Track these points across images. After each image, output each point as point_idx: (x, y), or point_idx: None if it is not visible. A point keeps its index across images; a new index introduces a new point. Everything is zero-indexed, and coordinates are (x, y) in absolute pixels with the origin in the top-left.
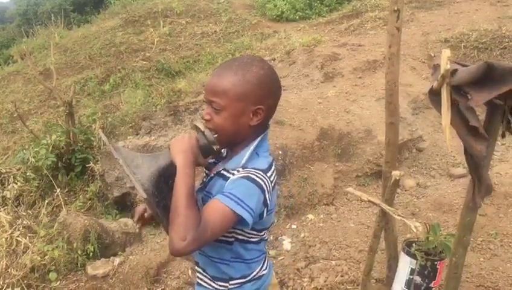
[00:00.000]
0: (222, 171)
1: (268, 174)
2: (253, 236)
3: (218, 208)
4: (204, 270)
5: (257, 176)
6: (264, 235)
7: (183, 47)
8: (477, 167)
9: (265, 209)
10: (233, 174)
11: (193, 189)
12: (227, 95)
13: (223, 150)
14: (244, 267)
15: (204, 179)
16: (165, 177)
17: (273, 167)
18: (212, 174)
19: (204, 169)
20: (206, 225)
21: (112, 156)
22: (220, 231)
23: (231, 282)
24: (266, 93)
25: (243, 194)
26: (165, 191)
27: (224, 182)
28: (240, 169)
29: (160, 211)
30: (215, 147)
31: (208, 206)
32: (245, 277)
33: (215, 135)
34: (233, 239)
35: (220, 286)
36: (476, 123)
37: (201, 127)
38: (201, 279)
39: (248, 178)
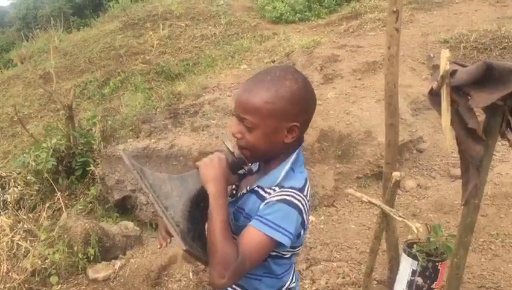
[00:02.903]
0: (256, 188)
1: (305, 193)
2: (286, 253)
3: (255, 236)
4: (236, 284)
5: (295, 198)
6: (297, 250)
7: (182, 50)
8: (467, 168)
9: (303, 229)
10: (269, 193)
11: (228, 220)
12: (260, 113)
13: (253, 165)
14: (275, 281)
15: (234, 192)
16: (197, 203)
17: (307, 182)
18: (245, 191)
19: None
20: (244, 257)
21: (131, 174)
22: (259, 260)
23: None
24: (301, 109)
25: (280, 219)
26: (197, 217)
27: (258, 200)
28: (276, 188)
29: (196, 245)
30: (245, 167)
31: (244, 234)
32: None
33: (247, 153)
34: (266, 256)
35: None
36: (474, 125)
37: (231, 147)
38: None
39: (285, 201)
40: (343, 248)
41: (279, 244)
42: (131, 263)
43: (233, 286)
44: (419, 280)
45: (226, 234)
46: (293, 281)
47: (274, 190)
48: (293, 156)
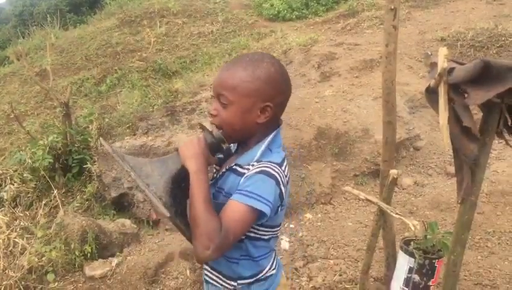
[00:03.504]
0: (234, 167)
1: (283, 168)
2: (264, 233)
3: (237, 208)
4: (212, 268)
5: (273, 169)
6: (276, 232)
7: (179, 47)
8: (461, 166)
9: (280, 203)
10: (247, 169)
11: (209, 194)
12: (236, 90)
13: (231, 146)
14: (253, 265)
15: (215, 175)
16: (178, 182)
17: (285, 162)
18: (224, 170)
19: (214, 165)
20: (227, 229)
21: (115, 162)
22: (242, 232)
23: (239, 281)
24: (275, 91)
25: (260, 189)
26: (179, 196)
27: (237, 177)
28: (255, 163)
29: (180, 221)
30: (224, 145)
31: (226, 208)
32: (253, 276)
33: (221, 131)
34: (244, 236)
35: (229, 284)
36: (469, 123)
37: (208, 125)
38: (209, 277)
39: (263, 172)
40: (340, 245)
41: (260, 215)
42: (128, 261)
43: (209, 270)
44: (416, 277)
45: (209, 207)
46: (273, 268)
47: (253, 165)
48: (270, 137)
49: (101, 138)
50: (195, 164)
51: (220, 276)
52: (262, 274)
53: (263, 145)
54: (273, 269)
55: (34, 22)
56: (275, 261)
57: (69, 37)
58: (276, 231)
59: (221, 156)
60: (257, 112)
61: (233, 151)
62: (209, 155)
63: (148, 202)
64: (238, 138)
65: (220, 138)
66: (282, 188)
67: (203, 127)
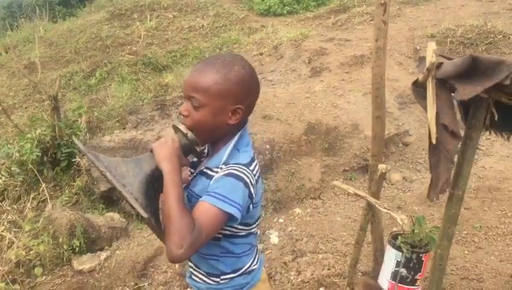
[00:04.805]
0: (204, 170)
1: (251, 168)
2: (240, 230)
3: (207, 210)
4: (196, 266)
5: (240, 171)
6: (252, 229)
7: (170, 41)
8: (437, 164)
9: (251, 202)
10: (216, 172)
11: (183, 195)
12: (208, 92)
13: (204, 149)
14: (234, 261)
15: (189, 178)
16: (152, 183)
17: (255, 161)
18: (195, 173)
19: (189, 168)
20: (200, 228)
21: (91, 162)
22: (213, 231)
23: (222, 277)
24: (246, 93)
25: (227, 191)
26: (152, 196)
27: (206, 181)
28: (223, 166)
29: (154, 222)
30: (197, 147)
31: (196, 209)
32: (236, 271)
33: (193, 132)
34: (220, 235)
35: (212, 281)
36: (451, 120)
37: (182, 128)
38: (194, 274)
39: (231, 175)
40: (329, 239)
41: (231, 217)
42: (117, 255)
43: (194, 267)
44: (404, 271)
45: (182, 207)
46: (255, 263)
47: (221, 168)
48: (236, 138)
49: (74, 138)
50: (170, 165)
51: (204, 273)
52: (244, 269)
53: (230, 146)
54: (254, 265)
55: (23, 14)
56: (256, 257)
57: (58, 29)
58: (252, 227)
59: (195, 159)
60: (228, 113)
61: (205, 154)
62: (182, 156)
63: (125, 202)
64: (208, 139)
65: (194, 140)
66: (251, 188)
67: (176, 129)
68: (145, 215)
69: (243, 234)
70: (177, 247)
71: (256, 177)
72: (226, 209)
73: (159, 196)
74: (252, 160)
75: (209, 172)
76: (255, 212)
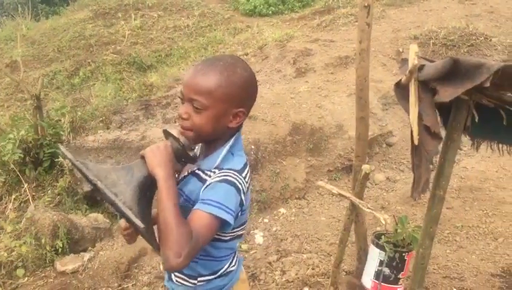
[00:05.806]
0: (197, 171)
1: (243, 175)
2: (224, 235)
3: (202, 217)
4: None
5: (233, 177)
6: (235, 234)
7: (155, 40)
8: (419, 164)
9: (240, 209)
10: (209, 176)
11: (178, 201)
12: (212, 95)
13: (197, 153)
14: (214, 264)
15: (178, 178)
16: (144, 190)
17: (247, 167)
18: (186, 173)
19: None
20: (197, 236)
21: (78, 171)
22: (209, 238)
23: (199, 279)
24: (248, 96)
25: (222, 198)
26: (145, 205)
27: (198, 183)
28: (216, 170)
29: (148, 230)
30: (191, 153)
31: (192, 217)
32: (213, 274)
33: (190, 134)
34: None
35: (190, 283)
36: (432, 122)
37: (174, 132)
38: (173, 277)
39: (225, 181)
40: (313, 239)
41: (224, 223)
42: (101, 256)
43: (174, 271)
44: (387, 270)
45: (179, 215)
46: (233, 264)
47: (214, 172)
48: (231, 141)
49: (60, 146)
50: (164, 171)
51: (181, 275)
52: (222, 271)
53: (225, 149)
54: (232, 266)
55: (5, 12)
56: (235, 258)
57: (40, 28)
58: (234, 232)
59: (185, 161)
60: (230, 117)
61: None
62: (175, 162)
63: (117, 212)
64: (206, 141)
65: (187, 145)
66: (242, 196)
67: (168, 134)
68: (141, 225)
69: (226, 238)
70: (175, 256)
71: (247, 185)
72: (221, 215)
73: (152, 204)
74: (245, 166)
75: (202, 174)
76: (241, 218)
